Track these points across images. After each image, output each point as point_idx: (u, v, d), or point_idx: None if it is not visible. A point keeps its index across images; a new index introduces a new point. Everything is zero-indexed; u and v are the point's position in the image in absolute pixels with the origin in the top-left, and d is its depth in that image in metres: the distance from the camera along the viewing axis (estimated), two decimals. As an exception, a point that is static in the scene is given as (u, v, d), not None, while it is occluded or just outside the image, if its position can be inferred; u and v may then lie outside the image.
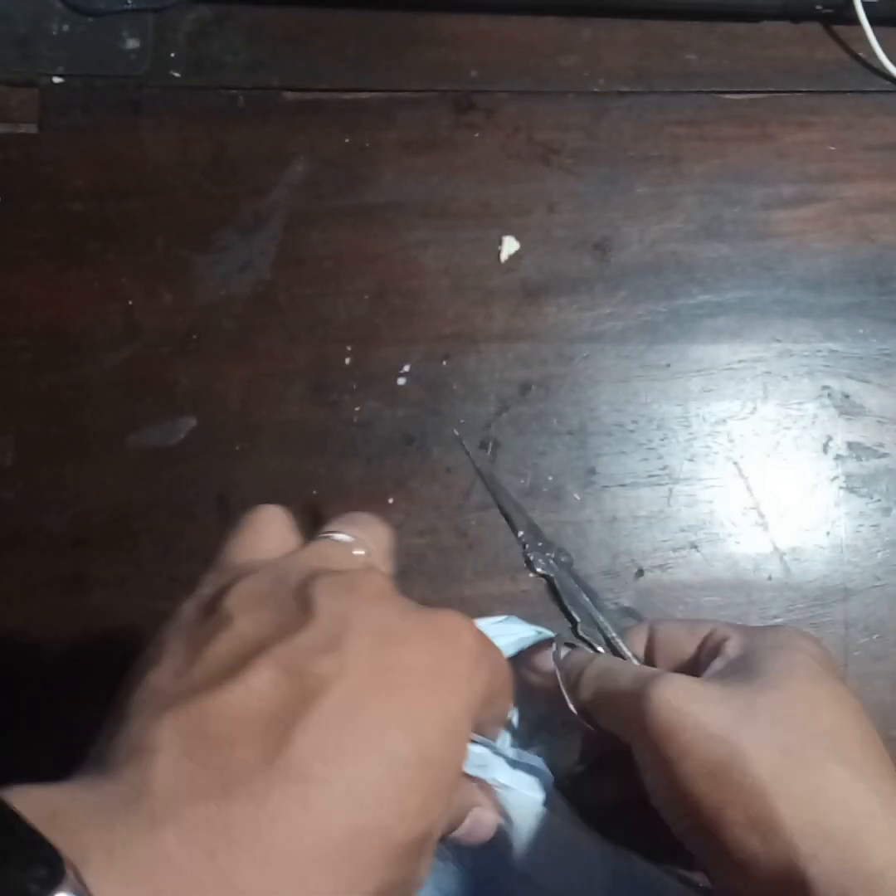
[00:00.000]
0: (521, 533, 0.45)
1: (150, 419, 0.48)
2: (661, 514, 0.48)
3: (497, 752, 0.35)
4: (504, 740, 0.37)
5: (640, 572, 0.48)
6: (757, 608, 0.48)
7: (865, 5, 0.51)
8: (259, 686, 0.23)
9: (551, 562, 0.44)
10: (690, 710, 0.31)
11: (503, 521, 0.48)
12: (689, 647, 0.37)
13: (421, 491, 0.48)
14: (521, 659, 0.39)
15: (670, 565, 0.48)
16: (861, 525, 0.49)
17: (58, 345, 0.49)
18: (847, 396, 0.50)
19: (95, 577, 0.47)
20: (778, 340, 0.51)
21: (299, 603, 0.25)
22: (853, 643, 0.47)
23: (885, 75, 0.53)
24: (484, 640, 0.28)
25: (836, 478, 0.49)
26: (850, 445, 0.50)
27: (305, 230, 0.51)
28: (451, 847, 0.35)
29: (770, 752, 0.29)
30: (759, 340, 0.51)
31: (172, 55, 0.52)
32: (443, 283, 0.50)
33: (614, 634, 0.40)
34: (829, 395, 0.50)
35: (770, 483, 0.49)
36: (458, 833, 0.31)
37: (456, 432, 0.41)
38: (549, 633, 0.41)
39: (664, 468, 0.49)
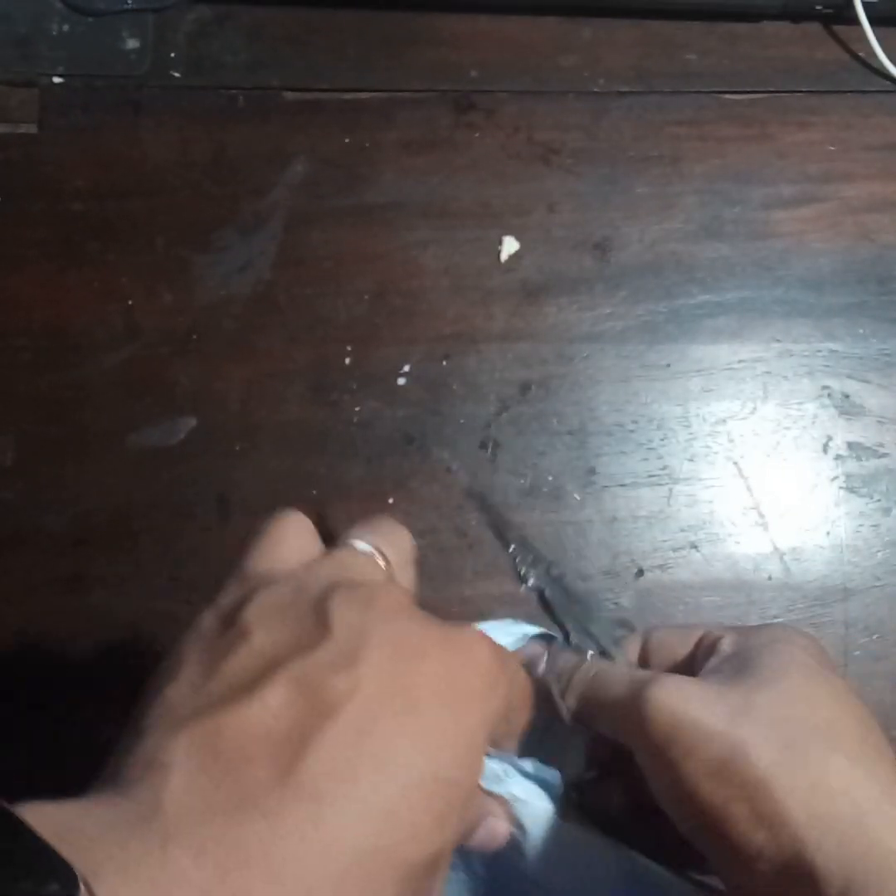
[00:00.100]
0: (512, 547, 0.45)
1: (150, 419, 0.48)
2: (661, 514, 0.48)
3: (512, 765, 0.35)
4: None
5: (640, 572, 0.48)
6: (757, 608, 0.48)
7: (865, 5, 0.51)
8: (274, 703, 0.23)
9: (543, 575, 0.44)
10: (688, 709, 0.31)
11: (504, 520, 0.48)
12: (683, 651, 0.37)
13: (421, 491, 0.48)
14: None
15: (670, 565, 0.48)
16: (861, 525, 0.49)
17: (58, 345, 0.49)
18: (847, 396, 0.50)
19: (95, 577, 0.47)
20: (778, 340, 0.51)
21: (317, 617, 0.25)
22: (853, 643, 0.47)
23: (885, 75, 0.53)
24: (502, 658, 0.27)
25: (836, 478, 0.49)
26: (850, 445, 0.50)
27: (305, 230, 0.51)
28: (461, 855, 0.35)
29: (771, 746, 0.30)
30: (759, 340, 0.51)
31: (172, 55, 0.52)
32: (443, 283, 0.50)
33: (609, 644, 0.39)
34: (829, 395, 0.50)
35: (770, 483, 0.49)
36: (470, 843, 0.31)
37: (446, 455, 0.41)
38: (550, 633, 0.41)
39: (664, 468, 0.49)
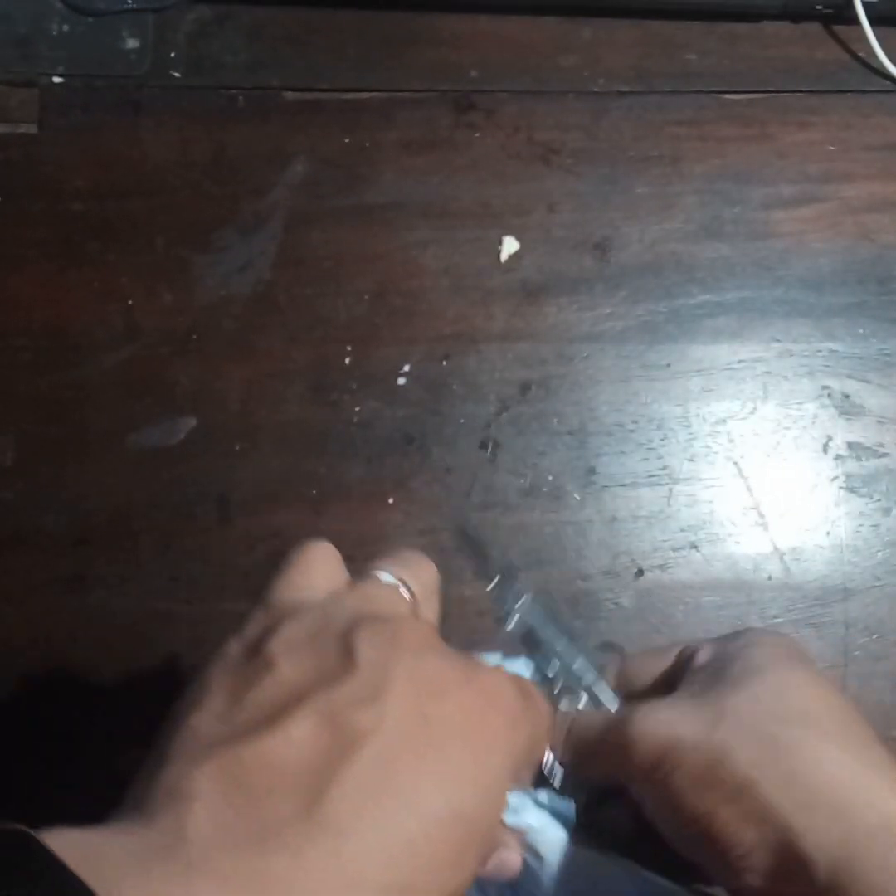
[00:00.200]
0: (493, 583, 0.44)
1: (150, 419, 0.48)
2: (661, 514, 0.48)
3: (528, 795, 0.36)
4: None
5: (640, 572, 0.48)
6: (757, 608, 0.48)
7: (865, 5, 0.51)
8: (298, 736, 0.23)
9: (524, 609, 0.43)
10: (667, 729, 0.32)
11: (504, 520, 0.48)
12: (660, 670, 0.38)
13: (421, 491, 0.48)
14: None
15: (670, 565, 0.48)
16: (861, 525, 0.49)
17: (58, 345, 0.49)
18: (847, 396, 0.50)
19: (95, 577, 0.47)
20: (778, 340, 0.51)
21: (342, 651, 0.25)
22: (853, 643, 0.47)
23: (885, 75, 0.53)
24: (525, 697, 0.27)
25: (836, 478, 0.49)
26: (850, 445, 0.50)
27: (305, 230, 0.51)
28: (477, 883, 0.35)
29: (749, 746, 0.30)
30: (759, 340, 0.51)
31: (172, 55, 0.52)
32: (443, 283, 0.50)
33: (591, 680, 0.40)
34: (829, 395, 0.50)
35: (770, 483, 0.49)
36: (483, 873, 0.31)
37: (446, 455, 0.41)
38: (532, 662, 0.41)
39: (664, 468, 0.49)
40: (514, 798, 0.36)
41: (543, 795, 0.37)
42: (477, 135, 0.52)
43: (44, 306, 0.49)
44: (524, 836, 0.35)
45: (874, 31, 0.52)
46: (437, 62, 0.53)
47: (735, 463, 0.49)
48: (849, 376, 0.50)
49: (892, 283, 0.51)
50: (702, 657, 0.36)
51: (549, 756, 0.37)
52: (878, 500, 0.49)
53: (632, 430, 0.49)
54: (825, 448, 0.50)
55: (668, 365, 0.50)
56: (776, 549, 0.48)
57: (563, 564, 0.48)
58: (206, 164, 0.51)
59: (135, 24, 0.52)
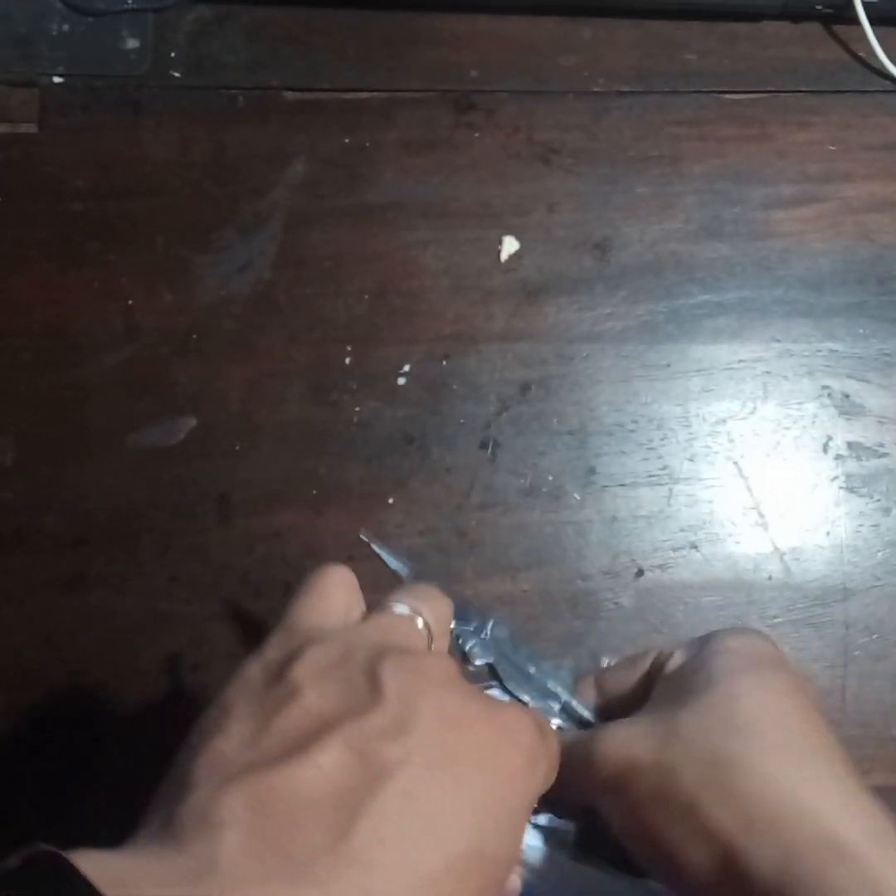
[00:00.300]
0: (452, 624, 0.44)
1: (150, 419, 0.48)
2: (661, 514, 0.48)
3: (530, 822, 0.36)
4: None
5: (640, 572, 0.48)
6: (757, 608, 0.48)
7: (865, 5, 0.51)
8: (327, 765, 0.23)
9: (489, 642, 0.43)
10: (625, 750, 0.32)
11: (504, 520, 0.48)
12: (632, 681, 0.39)
13: (421, 491, 0.48)
14: None
15: (670, 565, 0.48)
16: (861, 525, 0.49)
17: (58, 345, 0.49)
18: (847, 396, 0.50)
19: (95, 577, 0.47)
20: (778, 340, 0.51)
21: (368, 682, 0.25)
22: (853, 643, 0.47)
23: (885, 75, 0.53)
24: (543, 736, 0.28)
25: (836, 478, 0.49)
26: (850, 445, 0.50)
27: (305, 230, 0.51)
28: None
29: (695, 765, 0.31)
30: (759, 340, 0.51)
31: (172, 55, 0.52)
32: (443, 283, 0.50)
33: (567, 697, 0.40)
34: (829, 395, 0.50)
35: (770, 483, 0.49)
36: None
37: (363, 535, 0.40)
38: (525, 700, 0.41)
39: (664, 468, 0.49)
40: None
41: (543, 819, 0.37)
42: (477, 135, 0.52)
43: (44, 306, 0.49)
44: (524, 857, 0.35)
45: (874, 31, 0.52)
46: (437, 62, 0.53)
47: (735, 463, 0.49)
48: (849, 376, 0.50)
49: (892, 283, 0.51)
50: (671, 666, 0.36)
51: None
52: (878, 500, 0.49)
53: (632, 430, 0.49)
54: (825, 448, 0.50)
55: (668, 365, 0.50)
56: (776, 549, 0.48)
57: (563, 564, 0.48)
58: (206, 164, 0.51)
59: (135, 24, 0.52)
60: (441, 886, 0.23)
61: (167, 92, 0.52)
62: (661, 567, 0.48)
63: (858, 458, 0.49)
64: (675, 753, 0.31)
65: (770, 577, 0.48)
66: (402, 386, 0.49)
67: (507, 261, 0.51)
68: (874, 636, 0.47)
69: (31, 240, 0.50)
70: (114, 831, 0.23)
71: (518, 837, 0.26)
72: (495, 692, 0.41)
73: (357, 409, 0.49)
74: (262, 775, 0.22)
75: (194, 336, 0.49)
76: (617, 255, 0.51)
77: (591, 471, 0.49)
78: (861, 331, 0.51)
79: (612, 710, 0.39)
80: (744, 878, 0.29)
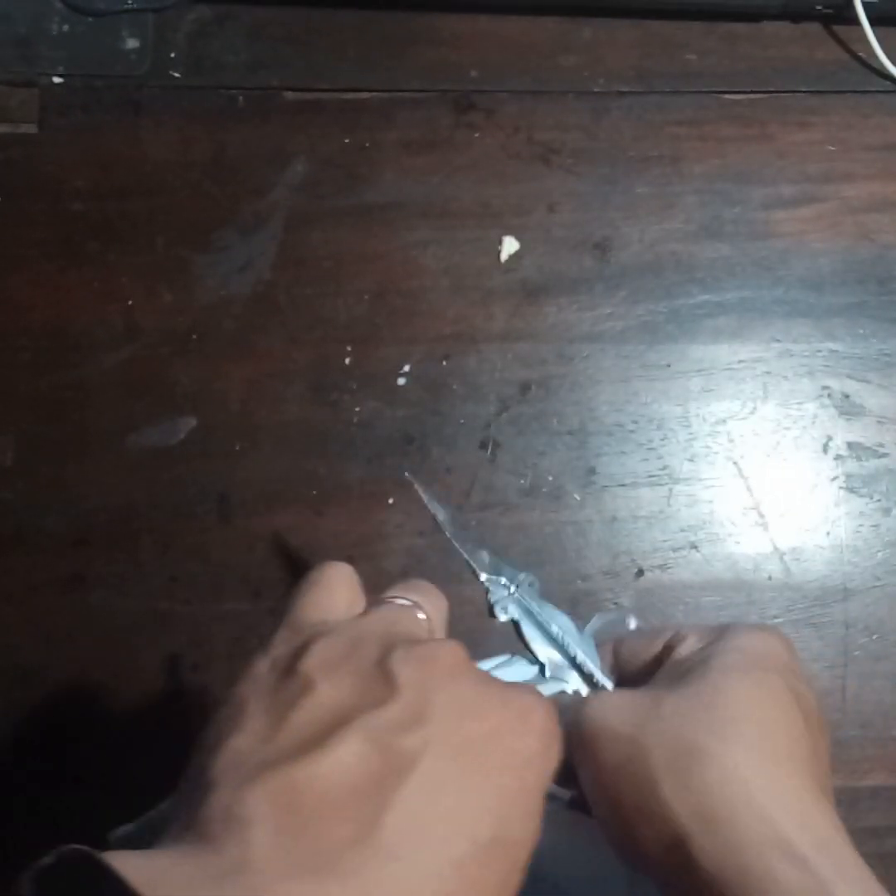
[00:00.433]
0: (483, 577, 0.44)
1: (150, 419, 0.48)
2: (661, 514, 0.48)
3: None
4: None
5: (640, 572, 0.48)
6: (757, 608, 0.48)
7: (865, 5, 0.51)
8: (347, 759, 0.23)
9: (515, 598, 0.43)
10: (603, 718, 0.33)
11: (504, 520, 0.48)
12: (648, 656, 0.39)
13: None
14: None
15: (670, 565, 0.48)
16: (861, 525, 0.49)
17: (58, 345, 0.49)
18: (847, 396, 0.50)
19: (95, 577, 0.47)
20: (778, 340, 0.51)
21: (380, 673, 0.25)
22: (853, 643, 0.47)
23: (885, 75, 0.53)
24: (556, 720, 0.28)
25: (836, 478, 0.49)
26: (850, 445, 0.50)
27: (305, 230, 0.51)
28: None
29: (666, 746, 0.31)
30: (759, 340, 0.51)
31: (172, 55, 0.52)
32: (443, 283, 0.50)
33: (584, 660, 0.40)
34: (829, 395, 0.50)
35: (770, 483, 0.49)
36: None
37: (407, 475, 0.41)
38: (555, 684, 0.41)
39: (664, 468, 0.49)
40: None
41: (551, 787, 0.37)
42: (477, 135, 0.52)
43: (44, 306, 0.49)
44: None
45: (874, 31, 0.52)
46: (437, 62, 0.53)
47: (735, 463, 0.49)
48: (849, 376, 0.50)
49: (892, 283, 0.51)
50: (682, 651, 0.36)
51: None
52: (878, 500, 0.49)
53: (632, 430, 0.49)
54: (825, 448, 0.50)
55: (668, 365, 0.50)
56: (776, 549, 0.48)
57: (563, 564, 0.48)
58: (206, 164, 0.51)
59: (135, 24, 0.52)
60: (467, 873, 0.23)
61: (167, 92, 0.52)
62: (661, 567, 0.48)
63: (858, 458, 0.49)
64: (650, 733, 0.31)
65: (770, 577, 0.48)
66: (402, 386, 0.49)
67: (507, 261, 0.51)
68: (874, 636, 0.47)
69: (31, 240, 0.50)
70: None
71: (537, 821, 0.26)
72: (507, 670, 0.41)
73: (357, 409, 0.49)
74: (283, 771, 0.23)
75: (194, 336, 0.49)
76: (617, 255, 0.51)
77: (591, 471, 0.49)
78: (861, 331, 0.51)
79: (627, 678, 0.39)
80: (690, 864, 0.29)
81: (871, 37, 0.52)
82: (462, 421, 0.49)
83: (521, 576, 0.42)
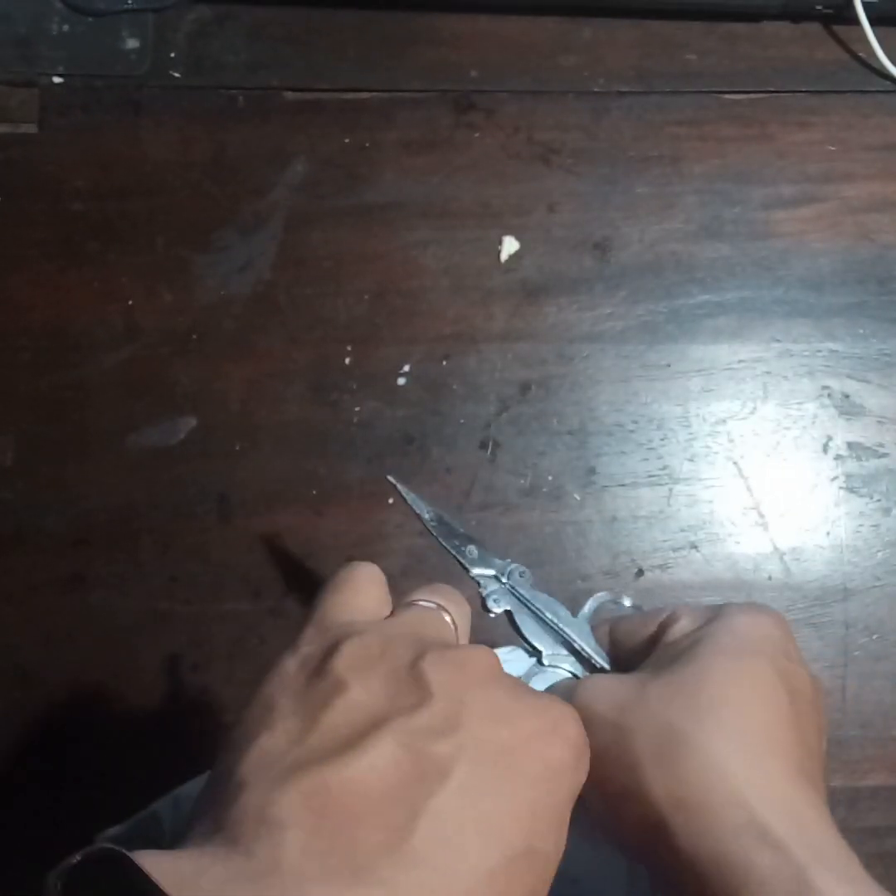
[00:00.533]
0: (473, 572, 0.43)
1: (150, 419, 0.48)
2: (661, 514, 0.48)
3: None
4: None
5: (640, 572, 0.48)
6: (757, 608, 0.48)
7: (865, 5, 0.51)
8: (380, 763, 0.23)
9: (507, 588, 0.43)
10: (592, 702, 0.33)
11: (504, 520, 0.48)
12: (642, 636, 0.38)
13: (421, 491, 0.48)
14: None
15: (670, 565, 0.48)
16: (861, 525, 0.49)
17: (58, 345, 0.49)
18: (847, 396, 0.50)
19: (95, 577, 0.47)
20: (778, 340, 0.51)
21: (412, 677, 0.25)
22: (853, 643, 0.47)
23: (885, 75, 0.53)
24: (583, 730, 0.28)
25: (836, 478, 0.49)
26: (850, 445, 0.50)
27: (305, 230, 0.51)
28: None
29: (648, 731, 0.31)
30: (759, 340, 0.51)
31: (172, 55, 0.52)
32: (443, 283, 0.50)
33: (581, 644, 0.40)
34: (829, 395, 0.50)
35: (770, 483, 0.49)
36: None
37: (390, 479, 0.41)
38: (552, 674, 0.41)
39: (664, 468, 0.49)
40: None
41: None
42: (477, 135, 0.52)
43: (44, 306, 0.49)
44: None
45: (874, 31, 0.52)
46: (437, 62, 0.53)
47: (735, 463, 0.49)
48: (849, 376, 0.50)
49: (892, 283, 0.51)
50: (674, 633, 0.36)
51: None
52: (878, 500, 0.49)
53: (632, 430, 0.49)
54: (825, 448, 0.50)
55: (668, 365, 0.50)
56: (776, 549, 0.48)
57: (563, 564, 0.48)
58: (206, 164, 0.51)
59: (135, 24, 0.52)
60: (497, 884, 0.23)
61: (167, 92, 0.52)
62: (661, 567, 0.48)
63: (858, 458, 0.49)
64: (634, 718, 0.31)
65: (770, 577, 0.48)
66: (402, 386, 0.49)
67: (507, 261, 0.51)
68: (874, 636, 0.47)
69: (31, 240, 0.50)
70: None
71: (564, 833, 0.26)
72: (509, 664, 0.41)
73: (357, 409, 0.49)
74: (316, 773, 0.22)
75: (194, 336, 0.49)
76: (617, 255, 0.51)
77: (591, 471, 0.49)
78: (861, 331, 0.51)
79: (623, 659, 0.39)
80: (669, 849, 0.29)
81: (871, 37, 0.52)
82: (462, 421, 0.49)
83: (512, 566, 0.42)
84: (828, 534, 0.49)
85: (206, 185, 0.51)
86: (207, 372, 0.49)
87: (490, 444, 0.49)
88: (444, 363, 0.50)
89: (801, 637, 0.47)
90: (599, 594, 0.43)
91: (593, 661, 0.39)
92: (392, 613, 0.30)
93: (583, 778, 0.27)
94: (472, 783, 0.23)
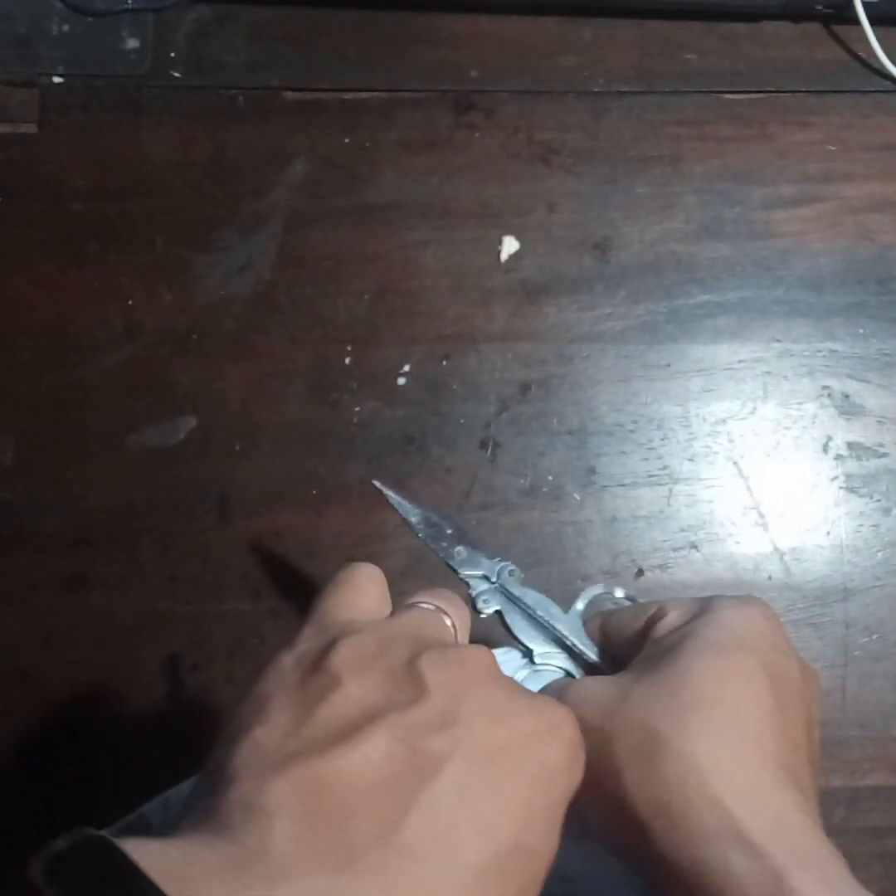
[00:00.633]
0: (463, 574, 0.43)
1: (150, 419, 0.48)
2: (661, 514, 0.48)
3: None
4: None
5: (640, 572, 0.48)
6: (757, 608, 0.48)
7: (865, 5, 0.51)
8: (374, 755, 0.23)
9: (497, 587, 0.42)
10: (577, 706, 0.33)
11: (504, 520, 0.48)
12: (632, 631, 0.38)
13: (421, 491, 0.48)
14: None
15: (670, 565, 0.48)
16: (861, 525, 0.49)
17: (58, 345, 0.49)
18: (847, 396, 0.50)
19: (95, 577, 0.47)
20: (778, 340, 0.51)
21: (410, 675, 0.25)
22: (853, 643, 0.47)
23: (885, 75, 0.53)
24: (580, 733, 0.28)
25: (836, 478, 0.49)
26: (850, 445, 0.50)
27: (305, 230, 0.51)
28: None
29: (630, 738, 0.31)
30: (759, 340, 0.51)
31: (172, 55, 0.52)
32: (443, 283, 0.50)
33: (573, 640, 0.39)
34: (829, 395, 0.50)
35: (770, 483, 0.49)
36: None
37: (376, 483, 0.40)
38: (554, 671, 0.41)
39: (664, 468, 0.49)
40: None
41: None
42: (477, 135, 0.52)
43: (44, 306, 0.49)
44: None
45: (874, 31, 0.52)
46: (437, 62, 0.53)
47: (735, 463, 0.49)
48: (849, 376, 0.50)
49: (892, 283, 0.51)
50: (661, 628, 0.36)
51: None
52: (878, 500, 0.49)
53: (632, 430, 0.49)
54: (825, 448, 0.50)
55: (668, 365, 0.50)
56: (776, 549, 0.48)
57: (563, 564, 0.48)
58: (206, 164, 0.51)
59: (135, 24, 0.52)
60: (487, 881, 0.23)
61: (167, 92, 0.52)
62: (661, 567, 0.48)
63: (858, 458, 0.49)
64: (617, 723, 0.31)
65: (770, 577, 0.48)
66: (402, 386, 0.49)
67: (507, 261, 0.51)
68: (874, 636, 0.47)
69: (31, 240, 0.50)
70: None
71: (557, 834, 0.26)
72: (507, 656, 0.40)
73: (357, 409, 0.49)
74: (308, 764, 0.22)
75: (194, 336, 0.49)
76: (617, 255, 0.51)
77: (591, 471, 0.49)
78: (861, 331, 0.51)
79: (615, 656, 0.39)
80: (652, 854, 0.29)
81: (871, 37, 0.52)
82: (462, 421, 0.49)
83: (500, 565, 0.41)
84: (828, 534, 0.49)
85: (206, 185, 0.51)
86: (207, 372, 0.49)
87: (490, 444, 0.49)
88: (444, 363, 0.50)
89: (801, 637, 0.47)
90: (591, 588, 0.42)
91: (585, 657, 0.39)
92: (392, 614, 0.30)
93: (578, 779, 0.27)
94: (466, 780, 0.23)
